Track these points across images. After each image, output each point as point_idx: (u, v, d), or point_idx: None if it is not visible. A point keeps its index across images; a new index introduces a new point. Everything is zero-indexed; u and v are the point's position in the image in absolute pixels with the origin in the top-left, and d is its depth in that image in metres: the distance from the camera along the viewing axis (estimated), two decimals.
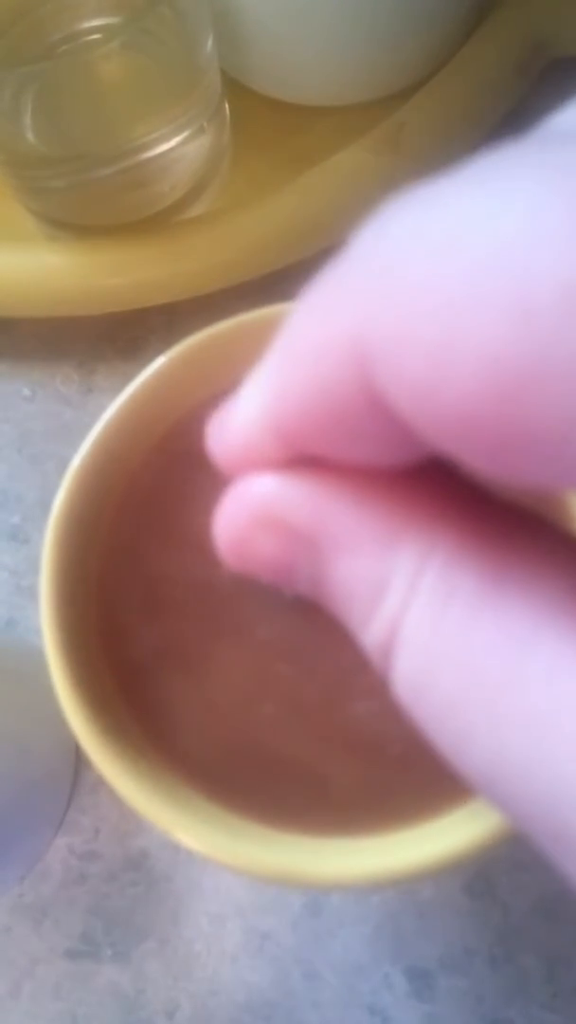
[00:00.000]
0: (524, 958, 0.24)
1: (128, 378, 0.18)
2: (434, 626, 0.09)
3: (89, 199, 0.28)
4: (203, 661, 0.16)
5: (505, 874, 0.24)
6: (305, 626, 0.16)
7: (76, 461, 0.17)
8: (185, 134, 0.27)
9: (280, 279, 0.28)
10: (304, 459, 0.10)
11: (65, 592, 0.16)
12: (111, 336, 0.30)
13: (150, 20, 0.24)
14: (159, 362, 0.17)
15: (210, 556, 0.17)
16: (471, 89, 0.28)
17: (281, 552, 0.10)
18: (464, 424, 0.07)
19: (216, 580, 0.17)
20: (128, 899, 0.25)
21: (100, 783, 0.26)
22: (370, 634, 0.10)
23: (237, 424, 0.11)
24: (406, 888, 0.24)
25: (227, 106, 0.30)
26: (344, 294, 0.09)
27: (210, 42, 0.27)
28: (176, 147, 0.27)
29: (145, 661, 0.17)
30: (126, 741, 0.15)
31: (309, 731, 0.16)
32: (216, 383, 0.18)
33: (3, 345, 0.31)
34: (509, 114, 0.29)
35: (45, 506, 0.17)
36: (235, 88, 0.30)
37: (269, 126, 0.31)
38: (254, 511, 0.11)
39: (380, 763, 0.16)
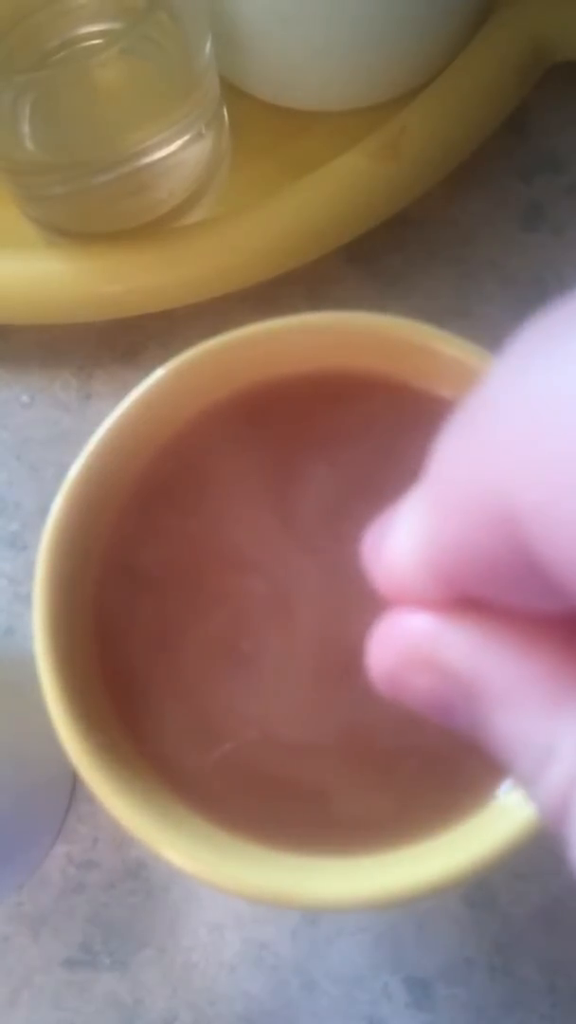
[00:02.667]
0: (523, 968, 0.24)
1: (127, 384, 0.17)
2: None
3: (88, 206, 0.28)
4: (199, 678, 0.16)
5: (504, 884, 0.24)
6: (307, 645, 0.16)
7: (72, 472, 0.17)
8: (183, 139, 0.27)
9: (280, 285, 0.28)
10: (462, 601, 0.10)
11: (59, 606, 0.16)
12: (110, 342, 0.30)
13: (148, 26, 0.24)
14: (157, 374, 0.17)
15: (208, 569, 0.17)
16: (471, 94, 0.28)
17: (437, 692, 0.10)
18: None
19: (214, 594, 0.17)
20: (127, 908, 0.25)
21: None
22: (538, 797, 0.10)
23: (392, 555, 0.11)
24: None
25: (225, 111, 0.30)
26: (489, 448, 0.08)
27: (208, 47, 0.27)
28: (174, 152, 0.27)
29: (140, 677, 0.16)
30: (119, 760, 0.15)
31: (307, 750, 0.16)
32: (214, 395, 0.18)
33: (2, 351, 0.30)
34: (509, 119, 0.29)
35: (44, 513, 0.17)
36: (233, 93, 0.30)
37: (268, 131, 0.30)
38: (409, 648, 0.11)
39: (379, 782, 0.16)
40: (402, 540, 0.10)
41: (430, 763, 0.16)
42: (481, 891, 0.24)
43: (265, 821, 0.15)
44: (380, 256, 0.30)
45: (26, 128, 0.25)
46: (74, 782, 0.26)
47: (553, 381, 0.08)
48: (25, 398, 0.30)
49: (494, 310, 0.29)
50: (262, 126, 0.31)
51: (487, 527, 0.09)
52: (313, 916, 0.24)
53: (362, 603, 0.17)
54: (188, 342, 0.17)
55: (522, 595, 0.09)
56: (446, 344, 0.16)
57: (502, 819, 0.14)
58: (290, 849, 0.15)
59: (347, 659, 0.16)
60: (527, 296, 0.29)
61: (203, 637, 0.17)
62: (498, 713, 0.10)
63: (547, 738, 0.09)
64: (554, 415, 0.08)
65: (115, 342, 0.30)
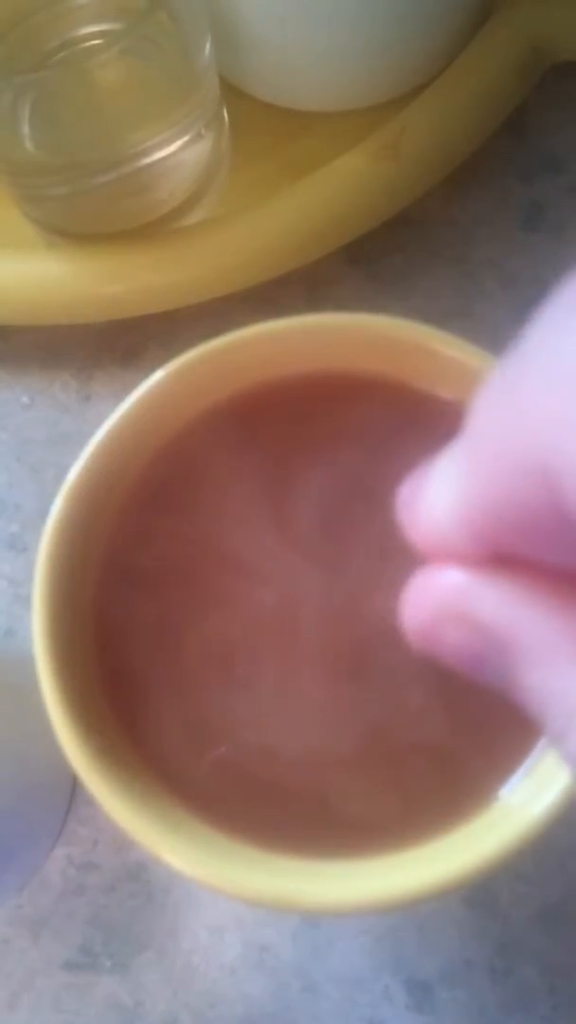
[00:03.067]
0: (524, 970, 0.24)
1: (127, 385, 0.17)
2: None
3: (88, 206, 0.28)
4: (199, 680, 0.16)
5: (505, 886, 0.24)
6: (308, 647, 0.16)
7: (72, 473, 0.17)
8: (183, 140, 0.27)
9: (280, 286, 0.28)
10: (496, 556, 0.10)
11: (58, 608, 0.16)
12: (110, 343, 0.30)
13: (148, 26, 0.24)
14: (157, 375, 0.17)
15: (208, 570, 0.17)
16: (471, 94, 0.28)
17: (470, 646, 0.11)
18: None
19: (214, 596, 0.17)
20: (127, 911, 0.25)
21: None
22: (567, 750, 0.10)
23: (429, 511, 0.11)
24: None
25: (225, 112, 0.30)
26: (526, 405, 0.09)
27: (208, 47, 0.27)
28: (174, 153, 0.27)
29: (139, 679, 0.16)
30: (119, 763, 0.15)
31: (307, 753, 0.16)
32: (213, 397, 0.18)
33: (2, 352, 0.30)
34: (509, 119, 0.29)
35: (44, 514, 0.17)
36: (233, 94, 0.30)
37: (268, 132, 0.30)
38: (444, 603, 0.11)
39: (380, 785, 0.16)
40: (438, 496, 0.11)
41: (432, 765, 0.16)
42: (482, 893, 0.24)
43: (265, 824, 0.15)
44: (380, 256, 0.30)
45: (26, 129, 0.25)
46: (74, 784, 0.26)
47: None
48: (25, 399, 0.30)
49: (494, 310, 0.29)
50: (262, 127, 0.31)
51: (523, 484, 0.09)
52: (314, 919, 0.24)
53: (363, 604, 0.17)
54: (188, 343, 0.17)
55: (556, 552, 0.09)
56: (446, 345, 0.16)
57: (504, 822, 0.14)
58: (290, 852, 0.15)
59: (348, 660, 0.16)
60: (527, 296, 0.29)
61: (203, 639, 0.17)
62: (529, 669, 0.10)
63: None
64: None
65: (115, 343, 0.30)
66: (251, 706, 0.16)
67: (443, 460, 0.11)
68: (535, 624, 0.10)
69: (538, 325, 0.09)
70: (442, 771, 0.16)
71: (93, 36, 0.27)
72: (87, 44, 0.27)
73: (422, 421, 0.16)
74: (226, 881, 0.14)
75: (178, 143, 0.27)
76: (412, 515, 0.11)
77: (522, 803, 0.15)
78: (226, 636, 0.16)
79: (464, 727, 0.16)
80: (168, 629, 0.17)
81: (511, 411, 0.09)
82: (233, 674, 0.16)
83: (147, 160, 0.27)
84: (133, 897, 0.25)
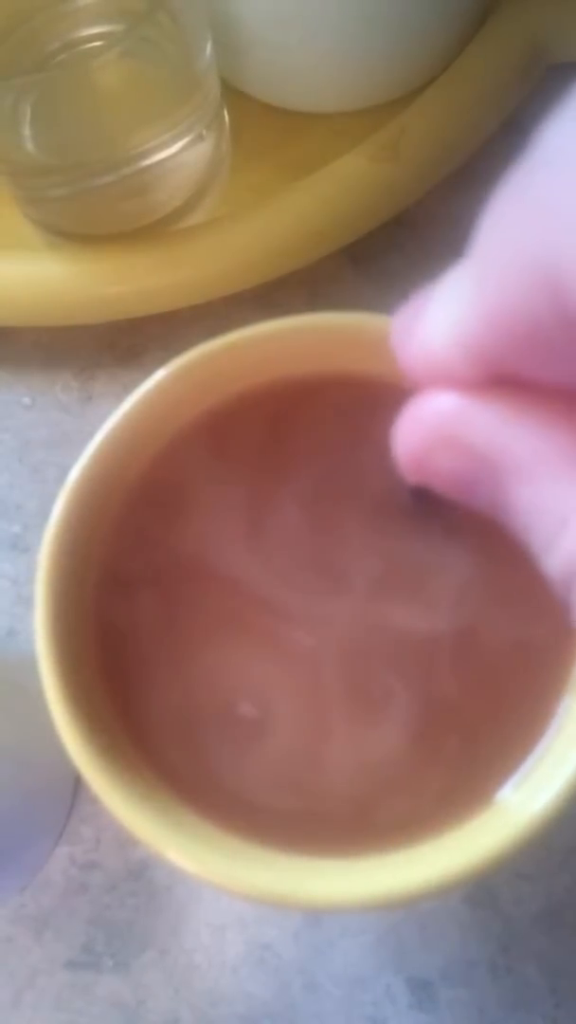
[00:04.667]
0: (526, 969, 0.24)
1: (128, 386, 0.17)
2: None
3: (88, 207, 0.28)
4: (202, 680, 0.16)
5: (506, 884, 0.24)
6: (310, 646, 0.16)
7: (73, 474, 0.17)
8: (184, 141, 0.27)
9: (280, 287, 0.28)
10: (491, 379, 0.10)
11: (60, 607, 0.16)
12: (111, 344, 0.30)
13: (148, 28, 0.24)
14: (158, 376, 0.17)
15: (209, 570, 0.17)
16: (471, 95, 0.28)
17: (462, 470, 0.11)
18: None
19: (216, 595, 0.17)
20: (129, 909, 0.25)
21: None
22: (552, 563, 0.10)
23: (427, 334, 0.11)
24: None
25: (226, 113, 0.30)
26: (534, 210, 0.09)
27: (208, 49, 0.27)
28: (175, 155, 0.27)
29: (142, 678, 0.16)
30: (121, 761, 0.15)
31: (309, 752, 0.16)
32: (214, 398, 0.18)
33: (3, 353, 0.31)
34: (509, 120, 0.29)
35: (46, 515, 0.17)
36: (234, 95, 0.30)
37: (268, 133, 0.31)
38: (437, 428, 0.11)
39: (381, 784, 0.16)
40: (439, 315, 0.10)
41: (434, 765, 0.16)
42: (483, 892, 0.24)
43: (266, 822, 0.15)
44: (380, 257, 0.30)
45: (27, 130, 0.25)
46: (76, 783, 0.26)
47: None
48: (26, 400, 0.30)
49: None
50: (262, 128, 0.31)
51: (531, 286, 0.09)
52: (315, 917, 0.24)
53: (365, 603, 0.17)
54: (189, 344, 0.17)
55: (558, 368, 0.09)
56: None
57: (504, 821, 0.14)
58: (292, 850, 0.15)
59: (349, 660, 0.16)
60: None
61: (204, 638, 0.17)
62: (518, 486, 0.10)
63: (563, 507, 0.09)
64: None
65: (116, 344, 0.30)
66: (254, 706, 0.16)
67: (445, 281, 0.11)
68: (526, 441, 0.10)
69: (549, 130, 0.09)
70: (443, 771, 0.16)
71: (94, 38, 0.27)
72: (88, 46, 0.27)
73: None
74: (228, 878, 0.14)
75: (179, 144, 0.27)
76: (408, 340, 0.11)
77: (522, 802, 0.15)
78: (228, 634, 0.17)
79: (465, 727, 0.16)
80: (170, 628, 0.17)
81: (522, 214, 0.09)
82: (235, 673, 0.16)
83: (148, 161, 0.27)
84: (135, 896, 0.25)
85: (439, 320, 0.10)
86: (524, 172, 0.09)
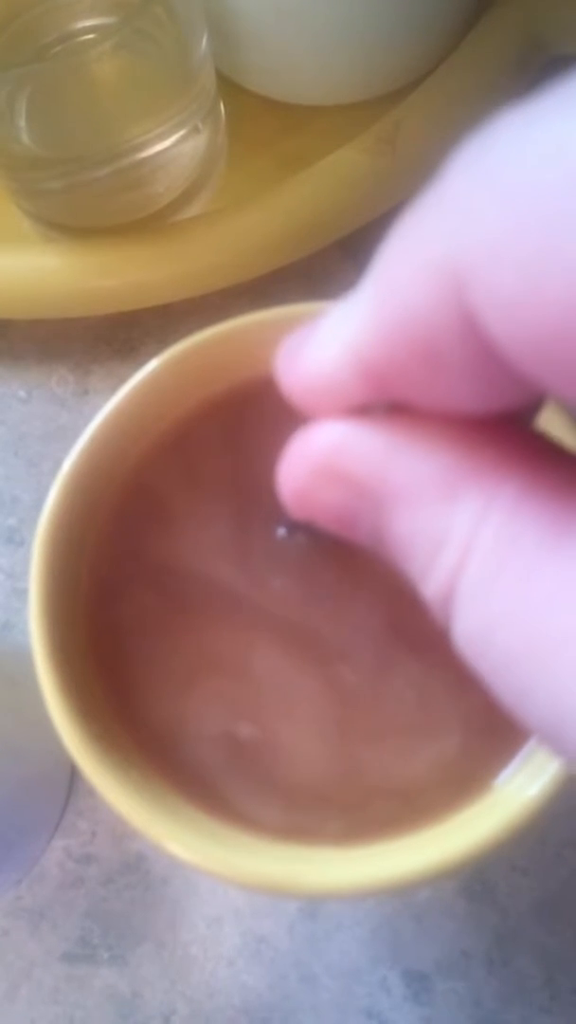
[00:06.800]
0: (522, 961, 0.24)
1: (124, 379, 0.17)
2: (493, 581, 0.09)
3: (84, 200, 0.28)
4: (195, 669, 0.16)
5: (503, 877, 0.24)
6: (304, 637, 0.16)
7: (67, 465, 0.17)
8: (180, 134, 0.27)
9: (276, 280, 0.28)
10: (377, 406, 0.10)
11: (54, 598, 0.16)
12: (107, 338, 0.30)
13: (144, 20, 0.24)
14: (150, 366, 0.17)
15: (203, 559, 0.17)
16: (467, 88, 0.28)
17: (343, 504, 0.10)
18: (556, 339, 0.07)
19: (210, 584, 0.17)
20: (125, 902, 0.25)
21: None
22: (429, 587, 0.09)
23: (316, 358, 0.10)
24: (402, 894, 0.24)
25: (222, 106, 0.30)
26: (439, 213, 0.08)
27: (204, 41, 0.27)
28: (171, 147, 0.27)
29: (136, 668, 0.16)
30: (116, 750, 0.15)
31: (303, 741, 0.16)
32: (208, 387, 0.18)
33: None
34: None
35: (41, 508, 0.17)
36: (230, 88, 0.30)
37: (264, 126, 0.31)
38: (318, 462, 0.10)
39: (375, 772, 0.16)
40: (328, 334, 0.10)
41: (428, 754, 0.16)
42: (479, 884, 0.24)
43: (260, 810, 0.15)
44: (377, 250, 0.30)
45: (22, 123, 0.25)
46: (72, 777, 0.26)
47: (506, 138, 0.08)
48: (22, 393, 0.30)
49: None
50: (258, 121, 0.31)
51: (431, 288, 0.08)
52: (311, 910, 0.24)
53: (362, 594, 0.17)
54: (185, 337, 0.17)
55: (448, 386, 0.09)
56: None
57: (498, 808, 0.14)
58: (289, 838, 0.15)
59: (345, 650, 0.16)
60: None
61: (199, 626, 0.17)
62: (397, 514, 0.10)
63: (439, 528, 0.09)
64: (511, 158, 0.07)
65: (112, 338, 0.30)
66: (246, 693, 0.16)
67: (337, 303, 0.10)
68: (406, 467, 0.09)
69: (456, 154, 0.08)
70: (439, 760, 0.16)
71: (90, 30, 0.27)
72: (84, 38, 0.27)
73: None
74: (224, 866, 0.14)
75: (174, 137, 0.27)
76: (293, 363, 0.11)
77: (516, 790, 0.15)
78: (222, 624, 0.17)
79: (461, 717, 0.16)
80: (163, 618, 0.17)
81: (418, 226, 0.09)
82: (228, 661, 0.16)
83: (144, 154, 0.27)
84: (131, 889, 0.25)
85: (329, 338, 0.10)
86: (428, 192, 0.09)
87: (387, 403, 0.10)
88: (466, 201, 0.08)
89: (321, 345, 0.10)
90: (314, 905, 0.24)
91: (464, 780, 0.15)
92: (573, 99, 0.07)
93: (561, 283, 0.07)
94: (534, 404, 0.11)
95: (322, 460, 0.10)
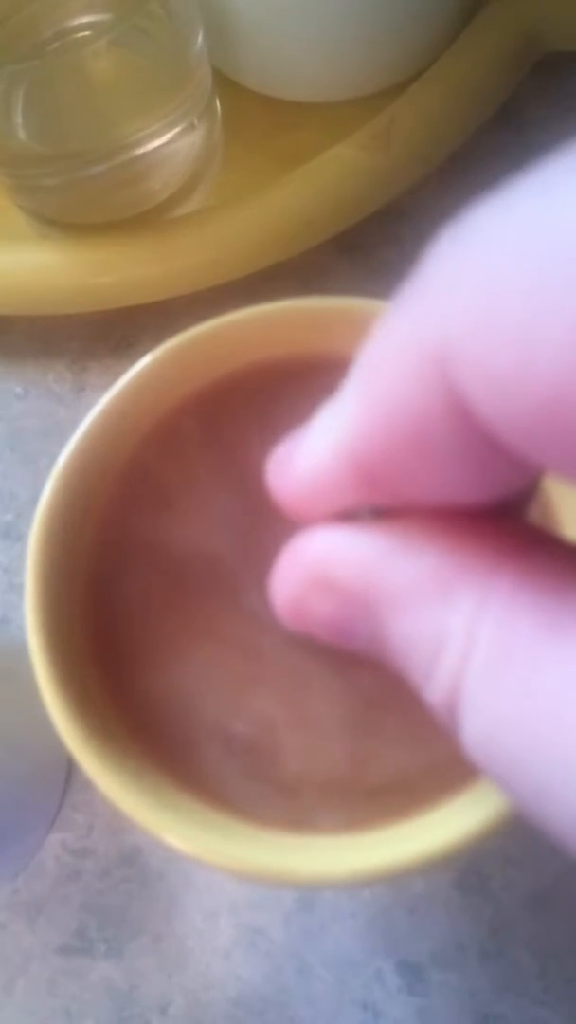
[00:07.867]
0: (516, 953, 0.24)
1: (120, 376, 0.18)
2: (496, 683, 0.08)
3: (80, 197, 0.28)
4: (192, 661, 0.16)
5: (497, 869, 0.24)
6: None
7: (62, 459, 0.17)
8: (176, 131, 0.27)
9: (273, 276, 0.28)
10: (364, 511, 0.10)
11: (50, 591, 0.16)
12: (103, 334, 0.30)
13: (140, 17, 0.24)
14: (146, 360, 0.17)
15: (199, 553, 0.18)
16: (462, 84, 0.28)
17: (338, 614, 0.10)
18: (546, 411, 0.07)
19: (205, 577, 0.17)
20: (122, 895, 0.25)
21: None
22: (432, 693, 0.09)
23: (307, 463, 0.10)
24: (397, 883, 0.24)
25: (218, 103, 0.30)
26: (420, 300, 0.08)
27: (200, 38, 0.27)
28: (167, 144, 0.27)
29: (133, 660, 0.17)
30: (113, 743, 0.15)
31: (301, 731, 0.16)
32: (202, 381, 0.18)
33: None
34: (501, 109, 0.29)
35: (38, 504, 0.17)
36: (226, 85, 0.30)
37: (260, 123, 0.31)
38: (309, 574, 0.10)
39: (369, 762, 0.16)
40: (318, 440, 0.10)
41: (429, 743, 0.16)
42: (473, 876, 0.24)
43: (256, 800, 0.15)
44: (372, 247, 0.30)
45: (19, 119, 0.25)
46: (69, 770, 0.26)
47: (486, 223, 0.08)
48: (19, 390, 0.30)
49: None
50: (254, 117, 0.31)
51: (418, 376, 0.08)
52: (306, 902, 0.25)
53: None
54: (178, 334, 0.17)
55: (440, 479, 0.09)
56: None
57: (494, 795, 0.15)
58: (285, 828, 0.15)
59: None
60: None
61: (195, 620, 0.17)
62: (393, 619, 0.09)
63: (438, 630, 0.09)
64: (492, 239, 0.07)
65: (109, 334, 0.30)
66: (245, 685, 0.16)
67: (325, 408, 0.10)
68: (398, 570, 0.09)
69: (436, 244, 0.08)
70: (431, 749, 0.16)
71: (86, 27, 0.27)
72: (80, 35, 0.27)
73: None
74: (220, 856, 0.14)
75: (171, 133, 0.27)
76: (285, 472, 0.10)
77: None
78: (218, 616, 0.17)
79: None
80: (160, 610, 0.17)
81: (403, 317, 0.08)
82: (225, 653, 0.16)
83: (140, 150, 0.27)
84: (128, 882, 0.25)
85: (318, 442, 0.10)
86: (407, 289, 0.08)
87: (373, 507, 0.10)
88: (447, 283, 0.08)
89: (310, 450, 0.10)
90: (309, 897, 0.24)
91: (460, 766, 0.15)
92: (549, 179, 0.07)
93: (549, 354, 0.07)
94: (526, 493, 0.10)
95: (312, 571, 0.10)
